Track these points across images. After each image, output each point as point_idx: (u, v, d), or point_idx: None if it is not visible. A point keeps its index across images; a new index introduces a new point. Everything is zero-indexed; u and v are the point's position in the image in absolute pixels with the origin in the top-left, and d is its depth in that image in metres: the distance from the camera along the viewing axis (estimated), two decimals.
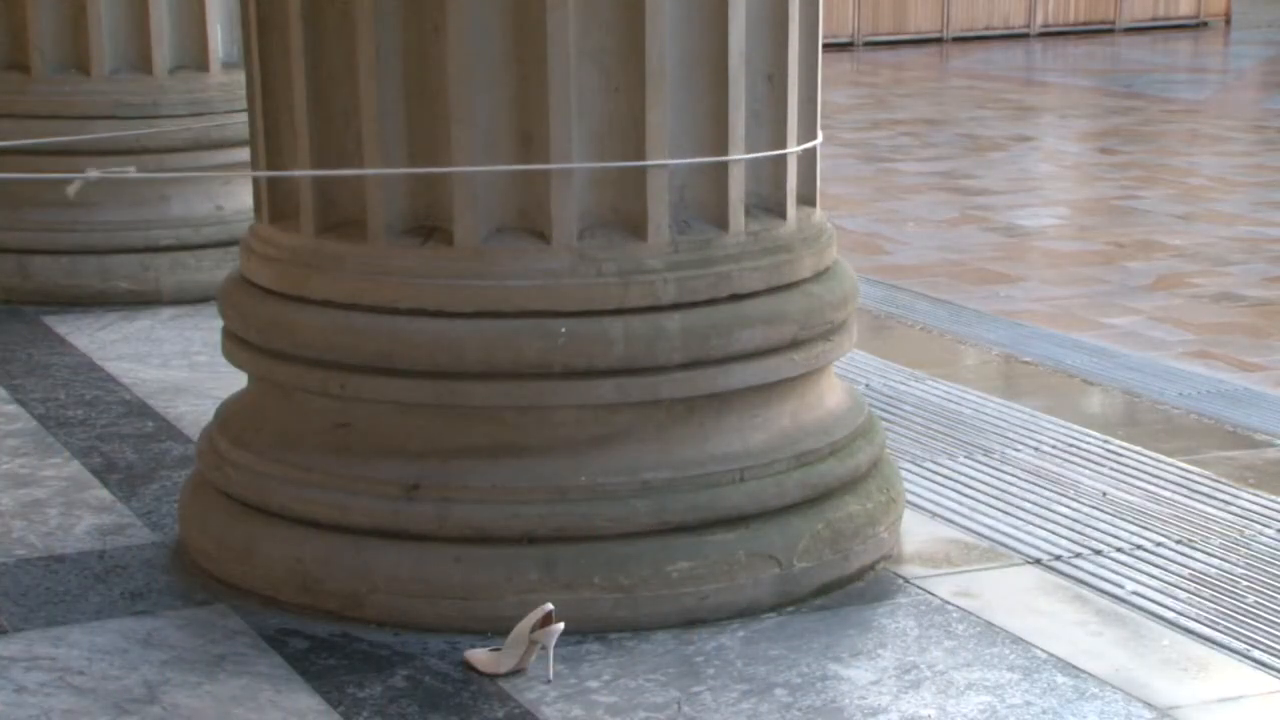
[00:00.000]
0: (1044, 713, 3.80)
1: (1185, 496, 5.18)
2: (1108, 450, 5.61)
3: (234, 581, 4.40)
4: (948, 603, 4.35)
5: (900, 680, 3.94)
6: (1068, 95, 17.51)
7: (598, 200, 4.18)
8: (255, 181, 4.62)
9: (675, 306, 4.22)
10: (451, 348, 4.16)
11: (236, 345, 4.56)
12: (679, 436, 4.27)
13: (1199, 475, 5.38)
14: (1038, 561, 4.65)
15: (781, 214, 4.44)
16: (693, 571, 4.18)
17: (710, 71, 4.23)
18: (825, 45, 4.84)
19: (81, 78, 7.57)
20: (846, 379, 5.09)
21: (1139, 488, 5.25)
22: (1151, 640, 4.18)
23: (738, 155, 4.28)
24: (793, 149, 4.43)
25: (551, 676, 3.90)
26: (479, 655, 3.97)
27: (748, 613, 4.23)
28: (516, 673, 3.93)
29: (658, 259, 4.22)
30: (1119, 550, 4.73)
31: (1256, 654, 4.10)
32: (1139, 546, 4.76)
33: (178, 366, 6.48)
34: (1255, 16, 24.78)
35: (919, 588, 4.44)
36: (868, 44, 21.58)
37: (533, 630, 3.87)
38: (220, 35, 7.66)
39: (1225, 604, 4.38)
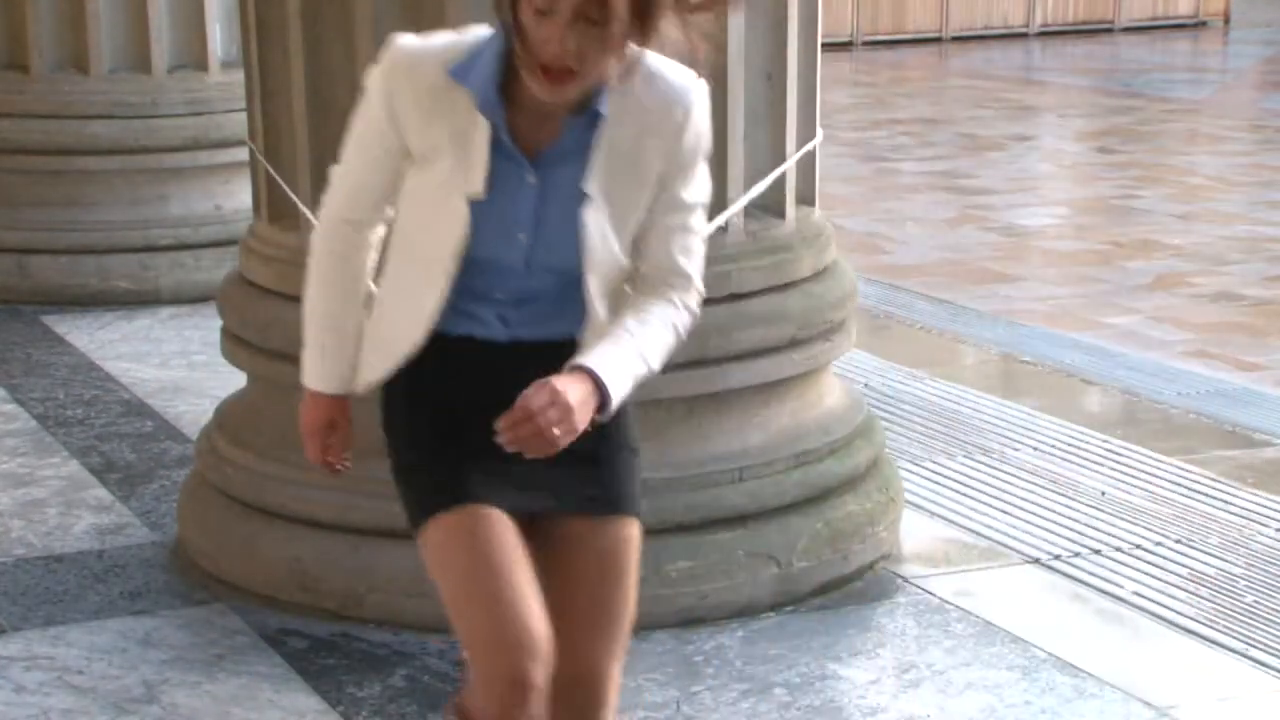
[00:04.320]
0: (1043, 712, 3.80)
1: (1184, 496, 5.18)
2: (1107, 450, 5.61)
3: (233, 581, 4.40)
4: (947, 602, 4.35)
5: (899, 680, 3.94)
6: (1067, 95, 17.50)
7: None
8: (254, 181, 4.62)
9: None
10: None
11: (236, 345, 4.56)
12: (678, 436, 4.26)
13: (1198, 475, 5.38)
14: (1037, 561, 4.65)
15: (780, 214, 4.44)
16: (692, 571, 4.18)
17: (709, 71, 4.22)
18: (824, 45, 4.84)
19: (80, 77, 7.57)
20: (846, 379, 5.09)
21: (1138, 487, 5.25)
22: (1151, 640, 4.18)
23: (737, 158, 4.28)
24: (792, 155, 4.44)
25: None
26: None
27: (747, 612, 4.23)
28: None
29: None
30: (1118, 550, 4.73)
31: (1255, 653, 4.10)
32: (1138, 546, 4.76)
33: (177, 366, 6.48)
34: (1254, 16, 24.77)
35: (918, 587, 4.44)
36: (867, 43, 21.57)
37: None
38: (219, 35, 7.66)
39: (1224, 603, 4.38)
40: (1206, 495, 5.19)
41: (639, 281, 2.81)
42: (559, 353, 2.70)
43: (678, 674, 3.95)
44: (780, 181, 4.43)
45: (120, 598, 4.39)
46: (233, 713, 3.77)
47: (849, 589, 4.40)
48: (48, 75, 7.59)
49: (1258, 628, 4.24)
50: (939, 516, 4.96)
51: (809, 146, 4.56)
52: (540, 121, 2.68)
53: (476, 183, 2.67)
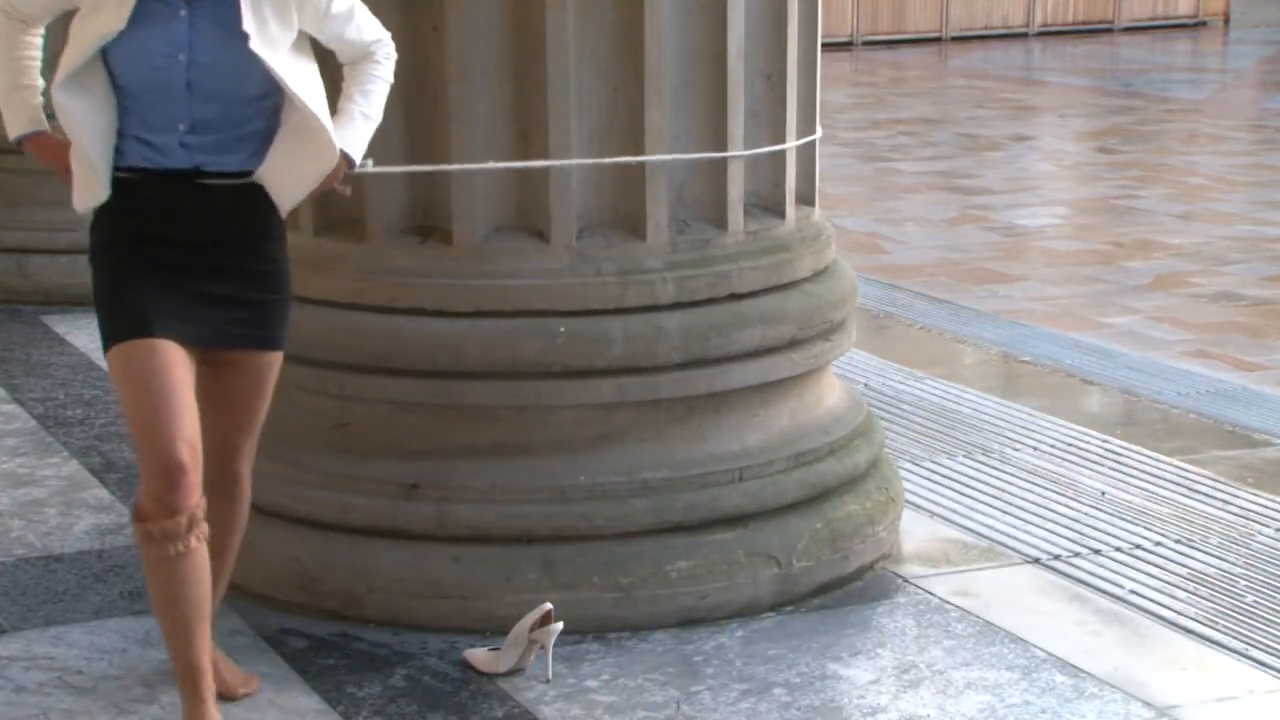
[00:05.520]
0: (1043, 712, 3.80)
1: (1184, 496, 5.18)
2: (1107, 450, 5.61)
3: (233, 581, 4.39)
4: (946, 602, 4.35)
5: (899, 679, 3.94)
6: (1066, 95, 17.51)
7: (596, 199, 4.18)
8: None
9: (674, 306, 4.22)
10: (450, 347, 4.16)
11: None
12: (678, 436, 4.26)
13: (1198, 475, 5.38)
14: (1037, 561, 4.65)
15: (780, 213, 4.44)
16: (692, 571, 4.18)
17: (709, 71, 4.23)
18: (824, 45, 4.85)
19: None
20: (846, 378, 5.09)
21: (1138, 487, 5.25)
22: (1151, 640, 4.18)
23: (737, 157, 4.28)
24: (792, 143, 4.43)
25: (550, 676, 3.90)
26: (478, 654, 3.97)
27: (747, 612, 4.23)
28: (516, 672, 3.93)
29: (657, 258, 4.21)
30: (1118, 550, 4.73)
31: (1255, 653, 4.10)
32: (1138, 546, 4.76)
33: None
34: (1254, 16, 24.77)
35: (918, 587, 4.44)
36: (867, 43, 21.58)
37: (532, 629, 3.87)
38: None
39: (1224, 603, 4.38)
40: (1206, 495, 5.19)
41: (348, 68, 3.56)
42: (238, 191, 3.41)
43: (678, 674, 3.95)
44: (780, 181, 4.43)
45: (120, 598, 4.38)
46: (233, 713, 3.77)
47: (849, 589, 4.40)
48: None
49: (1258, 628, 4.24)
50: (939, 516, 4.96)
51: (810, 138, 4.56)
52: None
53: (123, 18, 3.31)
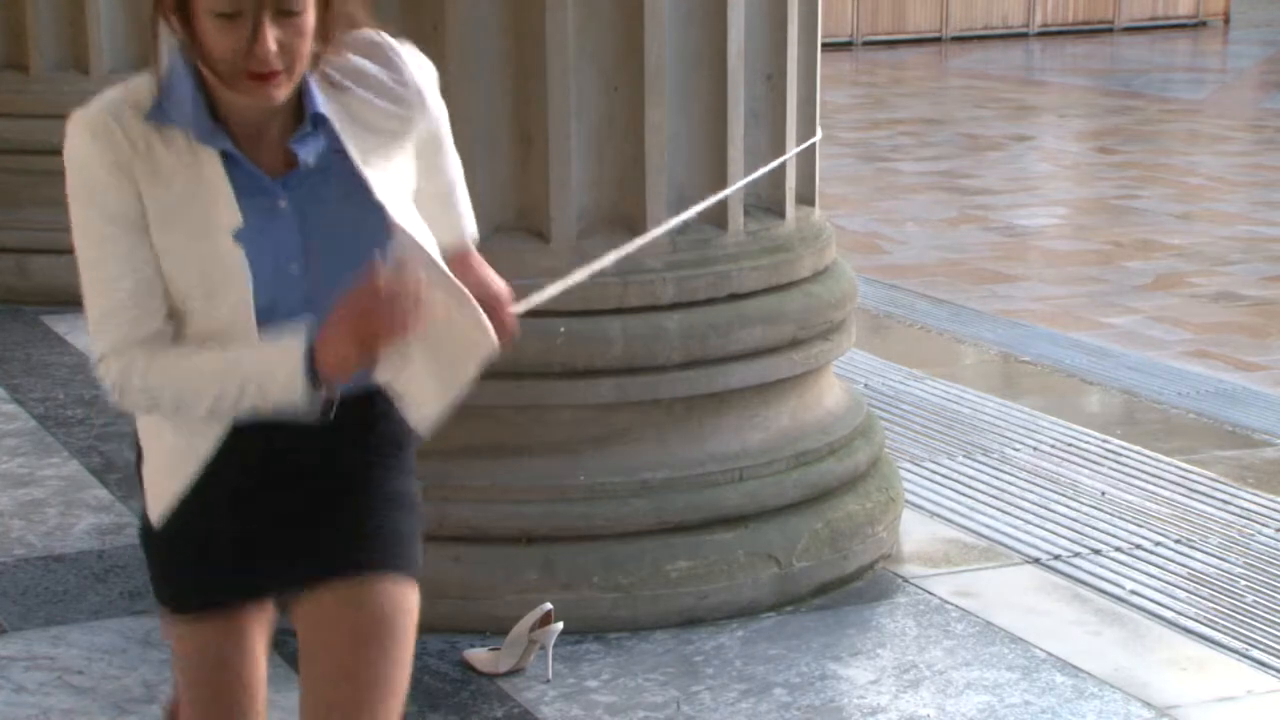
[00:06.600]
0: (1043, 712, 3.80)
1: (1184, 496, 5.18)
2: (1107, 450, 5.61)
3: None
4: (946, 602, 4.35)
5: (899, 680, 3.94)
6: (1066, 95, 17.50)
7: (597, 200, 4.18)
8: None
9: (674, 306, 4.22)
10: None
11: None
12: (678, 436, 4.26)
13: (1198, 475, 5.38)
14: (1037, 561, 4.65)
15: (780, 213, 4.45)
16: (692, 571, 4.18)
17: (709, 71, 4.23)
18: (824, 45, 4.85)
19: (80, 77, 7.56)
20: (845, 378, 5.09)
21: (1138, 487, 5.25)
22: (1151, 640, 4.18)
23: (737, 158, 4.28)
24: (791, 151, 4.44)
25: (550, 676, 3.90)
26: (478, 654, 3.97)
27: (747, 612, 4.23)
28: (515, 672, 3.93)
29: (657, 258, 4.21)
30: (1118, 550, 4.73)
31: (1255, 653, 4.10)
32: (1138, 546, 4.76)
33: None
34: (1254, 16, 24.76)
35: (918, 587, 4.44)
36: (867, 43, 21.58)
37: (532, 629, 3.87)
38: None
39: (1224, 603, 4.38)
40: (1206, 495, 5.19)
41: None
42: (360, 408, 2.46)
43: (678, 674, 3.95)
44: (780, 181, 4.44)
45: (120, 598, 4.39)
46: None
47: (849, 589, 4.40)
48: (48, 75, 7.59)
49: (1258, 628, 4.24)
50: (939, 516, 4.96)
51: (810, 141, 4.56)
52: (258, 140, 2.33)
53: (233, 214, 2.28)
